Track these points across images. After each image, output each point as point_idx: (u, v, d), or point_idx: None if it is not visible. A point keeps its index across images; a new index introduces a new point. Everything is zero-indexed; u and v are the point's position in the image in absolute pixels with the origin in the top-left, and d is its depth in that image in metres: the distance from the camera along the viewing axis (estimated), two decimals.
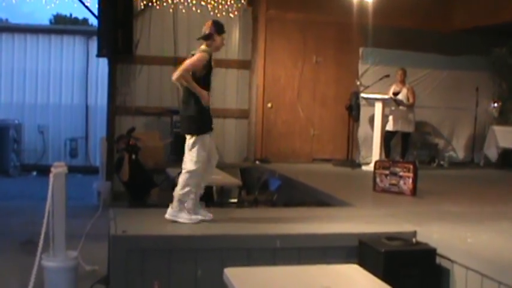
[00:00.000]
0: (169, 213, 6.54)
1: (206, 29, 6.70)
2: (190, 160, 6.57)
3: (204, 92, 6.56)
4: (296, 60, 13.61)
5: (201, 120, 6.65)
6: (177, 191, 6.55)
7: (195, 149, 6.56)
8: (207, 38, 6.65)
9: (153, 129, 12.90)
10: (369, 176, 9.70)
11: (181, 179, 6.56)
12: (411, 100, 12.44)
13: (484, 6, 13.08)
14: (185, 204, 6.50)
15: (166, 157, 12.63)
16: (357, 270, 4.48)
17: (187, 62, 6.47)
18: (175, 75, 6.50)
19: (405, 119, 12.49)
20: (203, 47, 6.66)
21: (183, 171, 6.61)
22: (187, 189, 6.51)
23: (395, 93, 12.49)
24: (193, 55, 6.60)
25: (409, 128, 12.61)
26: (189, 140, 6.62)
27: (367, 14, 12.70)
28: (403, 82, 12.62)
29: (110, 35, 12.16)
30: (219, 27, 6.75)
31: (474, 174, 12.90)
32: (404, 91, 12.47)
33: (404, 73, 12.65)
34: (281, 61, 13.55)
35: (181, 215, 6.50)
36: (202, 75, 6.56)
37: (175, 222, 6.46)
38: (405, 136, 12.69)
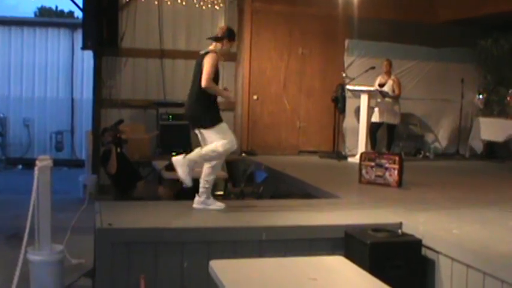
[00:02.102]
0: (198, 202, 6.84)
1: (219, 32, 7.05)
2: (217, 143, 6.75)
3: (225, 93, 7.08)
4: (282, 53, 13.60)
5: (215, 111, 6.93)
6: (204, 179, 6.84)
7: (219, 135, 6.78)
8: (217, 40, 6.96)
9: (139, 122, 12.85)
10: (354, 167, 9.72)
11: (210, 168, 6.85)
12: (397, 91, 12.45)
13: None
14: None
15: (152, 150, 12.61)
16: (343, 261, 4.49)
17: (208, 67, 6.71)
18: (206, 83, 6.70)
19: (390, 111, 12.51)
20: (212, 47, 6.95)
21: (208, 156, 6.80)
22: (213, 176, 6.86)
23: (381, 85, 12.50)
24: (203, 54, 6.85)
25: (394, 120, 12.63)
26: (208, 132, 6.82)
27: (353, 6, 12.68)
28: (388, 73, 12.64)
29: (95, 27, 12.09)
30: (231, 34, 7.08)
31: (459, 165, 12.93)
32: (390, 82, 12.49)
33: (390, 64, 12.66)
34: (267, 53, 13.53)
35: (211, 202, 6.87)
36: (213, 75, 6.80)
37: (206, 209, 6.81)
38: (390, 128, 12.71)
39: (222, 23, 13.35)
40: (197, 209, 6.84)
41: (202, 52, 6.94)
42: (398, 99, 12.54)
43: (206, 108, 6.85)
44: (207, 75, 6.68)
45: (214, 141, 6.76)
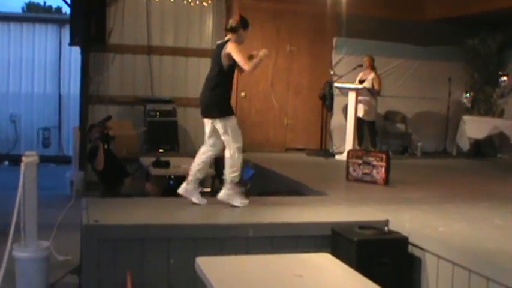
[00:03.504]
0: (223, 194, 6.89)
1: (233, 22, 7.08)
2: (233, 138, 6.86)
3: (261, 56, 7.07)
4: (270, 50, 13.42)
5: (229, 102, 7.05)
6: (228, 174, 6.90)
7: (234, 127, 6.89)
8: (232, 30, 6.98)
9: (126, 118, 12.82)
10: (342, 165, 9.73)
11: (231, 160, 6.89)
12: (376, 87, 12.47)
13: None
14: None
15: (139, 146, 12.59)
16: (329, 258, 4.50)
17: (236, 54, 6.79)
18: (247, 66, 6.84)
19: (367, 108, 12.53)
20: (229, 37, 6.97)
21: (230, 152, 6.89)
22: (235, 168, 6.91)
23: (361, 81, 12.52)
24: (221, 45, 6.90)
25: (370, 117, 12.67)
26: (225, 121, 6.86)
27: (341, 3, 12.70)
28: (370, 68, 12.65)
29: (83, 23, 12.05)
30: (244, 22, 7.11)
31: (446, 163, 12.98)
32: (369, 78, 12.50)
33: (371, 60, 12.68)
34: (254, 50, 13.48)
35: (235, 198, 6.91)
36: (231, 64, 6.88)
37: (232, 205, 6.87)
38: (369, 125, 12.76)
39: (210, 20, 13.37)
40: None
41: (219, 42, 7.02)
42: (375, 96, 12.55)
43: (223, 98, 6.94)
44: (242, 60, 6.78)
45: (224, 134, 6.83)
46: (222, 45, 6.86)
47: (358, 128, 12.40)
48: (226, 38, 6.97)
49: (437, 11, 13.81)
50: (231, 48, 6.77)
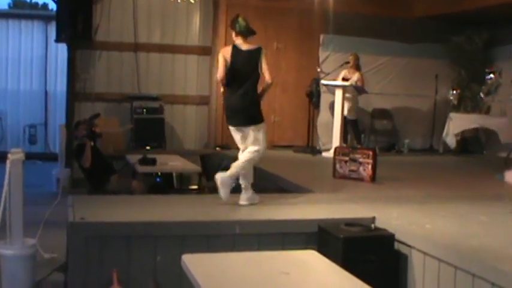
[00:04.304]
0: (246, 199, 6.91)
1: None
2: (262, 142, 7.01)
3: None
4: None
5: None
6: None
7: (264, 133, 7.05)
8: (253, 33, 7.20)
9: (113, 115, 12.78)
10: (329, 162, 9.74)
11: (251, 159, 6.96)
12: None
13: None
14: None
15: (126, 144, 12.57)
16: (315, 256, 4.51)
17: (267, 63, 6.98)
18: (272, 77, 7.02)
19: (349, 106, 12.54)
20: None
21: (252, 154, 6.97)
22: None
23: (344, 79, 12.53)
24: (257, 50, 7.05)
25: (351, 115, 12.68)
26: (258, 127, 7.00)
27: (328, 0, 12.71)
28: (355, 68, 12.67)
29: (69, 20, 12.01)
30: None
31: (433, 160, 13.02)
32: (354, 78, 12.52)
33: (356, 58, 12.71)
34: None
35: (254, 196, 7.00)
36: None
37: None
38: (352, 123, 12.80)
39: (197, 17, 13.35)
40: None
41: (253, 48, 7.04)
42: (361, 94, 12.57)
43: (259, 105, 7.05)
44: (269, 70, 6.94)
45: (257, 139, 6.92)
46: (258, 51, 7.01)
47: (344, 125, 12.41)
48: (245, 41, 7.07)
49: (424, 8, 13.84)
50: (263, 56, 7.00)
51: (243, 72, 6.94)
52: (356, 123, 12.91)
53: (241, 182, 6.96)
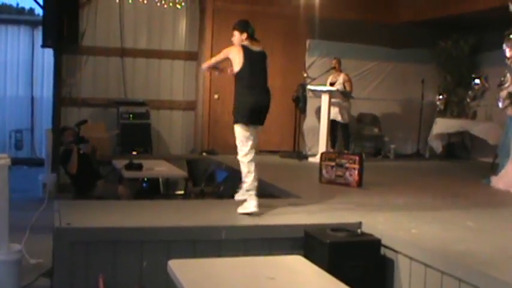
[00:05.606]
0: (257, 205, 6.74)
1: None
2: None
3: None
4: None
5: None
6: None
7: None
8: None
9: (99, 120, 12.77)
10: (315, 167, 9.75)
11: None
12: (348, 88, 12.53)
13: None
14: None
15: (112, 149, 12.55)
16: (302, 261, 4.51)
17: None
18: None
19: (340, 110, 12.57)
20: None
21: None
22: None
23: (332, 83, 12.56)
24: (264, 53, 7.20)
25: (343, 119, 12.69)
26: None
27: (314, 6, 12.75)
28: (338, 71, 12.71)
29: (55, 25, 11.96)
30: None
31: (419, 165, 13.06)
32: (340, 80, 12.54)
33: (339, 62, 12.75)
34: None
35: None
36: None
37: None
38: (343, 127, 12.80)
39: (183, 22, 13.36)
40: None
41: (262, 50, 7.19)
42: (348, 98, 12.59)
43: None
44: None
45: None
46: (265, 54, 7.17)
47: (331, 131, 12.42)
48: (252, 44, 7.14)
49: (410, 13, 13.90)
50: (268, 60, 7.20)
51: (258, 71, 7.05)
52: (347, 128, 12.92)
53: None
